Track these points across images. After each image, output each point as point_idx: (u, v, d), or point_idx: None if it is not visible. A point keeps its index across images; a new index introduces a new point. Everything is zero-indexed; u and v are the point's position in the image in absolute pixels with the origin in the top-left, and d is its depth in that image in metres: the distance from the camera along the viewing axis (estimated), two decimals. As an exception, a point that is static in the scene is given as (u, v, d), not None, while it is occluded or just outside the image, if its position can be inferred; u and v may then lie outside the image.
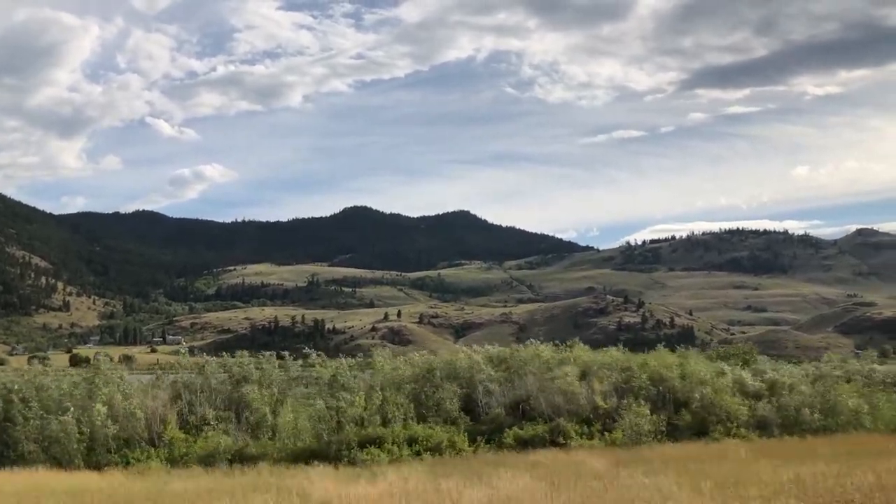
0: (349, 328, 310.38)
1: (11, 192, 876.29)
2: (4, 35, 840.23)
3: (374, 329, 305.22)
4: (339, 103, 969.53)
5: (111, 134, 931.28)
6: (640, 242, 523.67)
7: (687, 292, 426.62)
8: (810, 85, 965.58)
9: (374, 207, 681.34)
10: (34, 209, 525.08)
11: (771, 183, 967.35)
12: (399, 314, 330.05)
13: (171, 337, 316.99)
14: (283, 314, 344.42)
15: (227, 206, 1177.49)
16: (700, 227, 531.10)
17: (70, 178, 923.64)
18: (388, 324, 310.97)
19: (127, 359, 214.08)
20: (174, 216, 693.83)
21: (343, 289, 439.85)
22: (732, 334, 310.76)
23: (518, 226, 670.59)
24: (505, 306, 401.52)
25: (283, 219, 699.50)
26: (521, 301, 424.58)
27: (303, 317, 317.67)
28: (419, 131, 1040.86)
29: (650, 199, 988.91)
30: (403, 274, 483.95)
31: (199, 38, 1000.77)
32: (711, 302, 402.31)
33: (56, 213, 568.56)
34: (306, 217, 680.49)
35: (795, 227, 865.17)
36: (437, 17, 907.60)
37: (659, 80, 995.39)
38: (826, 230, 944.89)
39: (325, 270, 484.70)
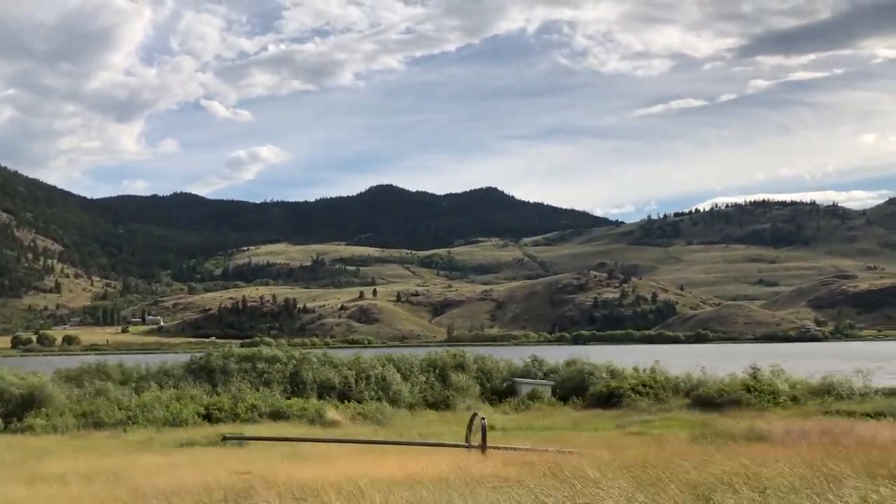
0: (320, 307, 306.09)
1: (76, 178, 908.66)
2: (60, 21, 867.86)
3: (342, 308, 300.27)
4: (391, 80, 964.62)
5: (168, 117, 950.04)
6: (661, 216, 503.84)
7: (700, 266, 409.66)
8: (880, 47, 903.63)
9: (400, 185, 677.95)
10: (63, 192, 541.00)
11: (837, 152, 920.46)
12: (374, 293, 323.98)
13: (149, 317, 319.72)
14: (276, 293, 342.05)
15: (280, 186, 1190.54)
16: (760, 199, 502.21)
17: (131, 161, 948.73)
18: (359, 303, 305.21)
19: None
20: (213, 198, 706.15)
21: (347, 268, 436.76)
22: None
23: (547, 202, 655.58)
24: (509, 282, 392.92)
25: (311, 199, 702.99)
26: (528, 278, 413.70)
27: (273, 296, 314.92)
28: (472, 107, 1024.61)
29: (711, 171, 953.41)
30: (413, 252, 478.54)
31: (248, 18, 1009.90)
32: (722, 276, 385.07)
33: (95, 197, 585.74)
34: (333, 196, 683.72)
35: (863, 197, 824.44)
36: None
37: (718, 46, 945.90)
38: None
39: (334, 249, 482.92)
